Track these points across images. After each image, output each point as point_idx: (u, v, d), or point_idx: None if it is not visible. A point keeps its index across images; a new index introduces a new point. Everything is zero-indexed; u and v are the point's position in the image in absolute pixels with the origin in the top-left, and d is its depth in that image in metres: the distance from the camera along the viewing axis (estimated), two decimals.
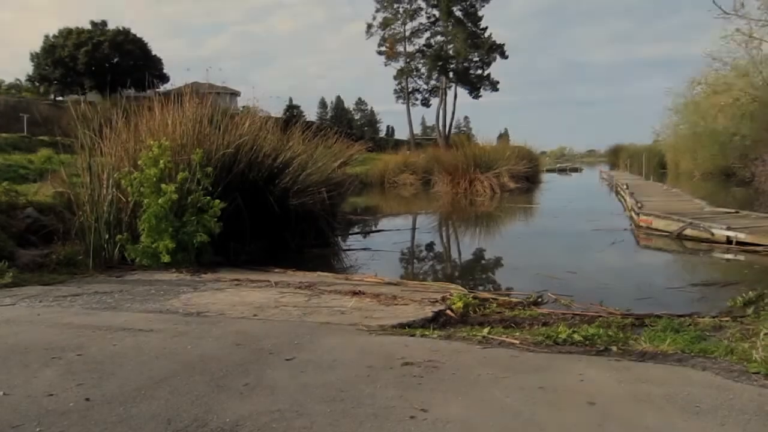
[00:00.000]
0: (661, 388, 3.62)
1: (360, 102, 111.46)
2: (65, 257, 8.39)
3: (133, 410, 3.18)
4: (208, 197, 8.73)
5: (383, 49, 69.75)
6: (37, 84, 49.68)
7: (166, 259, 8.27)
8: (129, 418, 3.07)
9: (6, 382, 3.60)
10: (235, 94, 21.43)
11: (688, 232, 12.94)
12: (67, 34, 49.52)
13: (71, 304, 6.03)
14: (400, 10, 67.84)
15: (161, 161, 8.51)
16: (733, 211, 15.67)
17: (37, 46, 50.73)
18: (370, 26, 68.94)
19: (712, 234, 12.30)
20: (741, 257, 11.04)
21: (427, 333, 5.12)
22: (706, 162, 40.26)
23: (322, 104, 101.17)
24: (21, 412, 3.12)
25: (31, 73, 50.27)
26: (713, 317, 5.92)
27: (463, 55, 66.56)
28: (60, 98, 48.22)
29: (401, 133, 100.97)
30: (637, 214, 15.62)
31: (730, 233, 11.95)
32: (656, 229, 14.07)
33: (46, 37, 49.91)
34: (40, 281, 7.31)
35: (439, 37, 69.12)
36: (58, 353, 4.22)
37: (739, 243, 11.66)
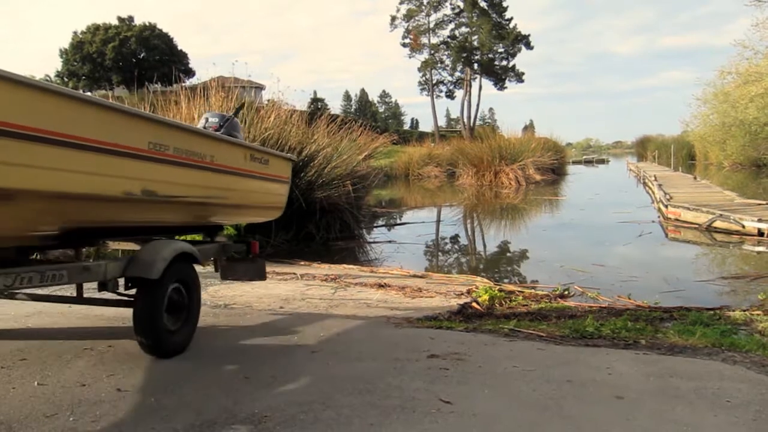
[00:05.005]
0: (691, 382, 3.58)
1: (384, 94, 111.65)
2: (99, 251, 8.49)
3: (163, 400, 3.23)
4: None
5: (407, 41, 69.57)
6: (66, 80, 50.46)
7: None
8: (159, 409, 3.11)
9: (40, 372, 3.67)
10: (260, 87, 21.49)
11: (718, 224, 12.73)
12: (94, 30, 50.23)
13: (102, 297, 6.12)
14: (424, 1, 67.50)
15: None
16: (764, 202, 15.37)
17: (65, 42, 51.48)
18: (394, 18, 68.84)
19: (743, 226, 12.08)
20: None
21: (453, 325, 5.12)
22: (736, 153, 39.54)
23: (347, 97, 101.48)
24: (54, 402, 3.18)
25: (60, 69, 51.06)
26: (744, 311, 5.82)
27: (487, 47, 66.18)
28: (88, 94, 48.96)
29: (426, 126, 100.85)
30: (666, 206, 15.40)
31: (762, 225, 11.72)
32: (685, 222, 13.86)
33: (75, 33, 50.65)
34: None
35: (463, 29, 68.80)
36: (89, 344, 4.30)
37: None
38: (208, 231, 5.23)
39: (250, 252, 5.42)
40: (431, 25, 68.77)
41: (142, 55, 50.24)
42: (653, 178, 23.94)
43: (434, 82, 70.43)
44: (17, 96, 2.64)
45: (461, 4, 67.02)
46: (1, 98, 2.56)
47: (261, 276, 5.53)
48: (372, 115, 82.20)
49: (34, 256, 4.17)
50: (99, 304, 4.30)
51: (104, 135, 3.19)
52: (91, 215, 3.49)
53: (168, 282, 3.90)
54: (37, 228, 3.37)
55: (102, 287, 3.73)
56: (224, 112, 10.54)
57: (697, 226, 13.23)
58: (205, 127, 4.90)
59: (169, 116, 10.37)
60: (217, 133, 4.75)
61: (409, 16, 68.33)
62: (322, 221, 11.76)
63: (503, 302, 6.31)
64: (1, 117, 2.54)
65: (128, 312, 3.94)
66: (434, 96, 70.70)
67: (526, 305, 6.25)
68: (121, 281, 3.86)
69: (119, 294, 3.91)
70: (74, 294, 4.48)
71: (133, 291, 3.92)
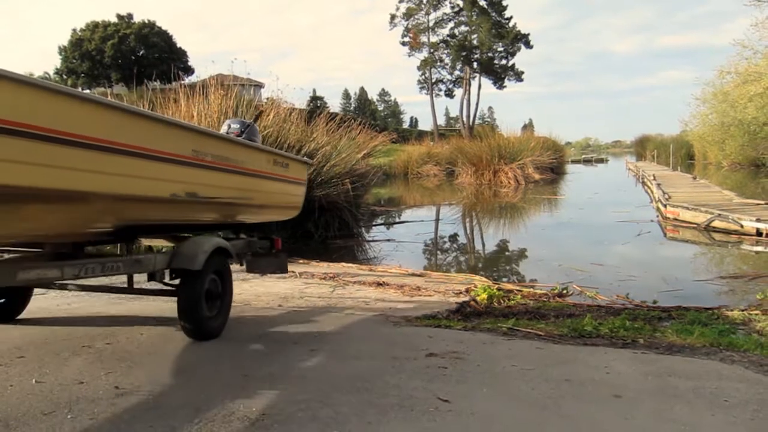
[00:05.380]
0: (689, 381, 3.58)
1: (383, 93, 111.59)
2: (96, 249, 8.49)
3: (161, 398, 3.23)
4: None
5: (407, 39, 69.54)
6: (65, 77, 50.43)
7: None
8: (158, 407, 3.11)
9: (38, 369, 3.67)
10: (259, 85, 21.47)
11: (717, 223, 12.74)
12: (94, 27, 50.17)
13: (100, 295, 6.12)
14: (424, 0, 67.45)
15: None
16: (762, 202, 15.38)
17: (65, 39, 51.43)
18: (393, 17, 68.80)
19: (741, 226, 12.09)
20: None
21: (451, 324, 5.12)
22: (735, 152, 39.56)
23: (346, 95, 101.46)
24: (52, 400, 3.18)
25: (59, 66, 51.01)
26: (742, 310, 5.83)
27: (487, 45, 66.17)
28: (87, 91, 48.92)
29: (425, 124, 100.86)
30: (664, 206, 15.41)
31: (760, 225, 11.73)
32: (684, 221, 13.87)
33: (74, 30, 50.59)
34: None
35: (463, 27, 68.77)
36: (87, 342, 4.30)
37: None
38: (234, 229, 5.57)
39: (273, 247, 5.89)
40: (431, 24, 68.78)
41: (141, 53, 50.22)
42: (652, 178, 23.95)
43: (434, 80, 70.45)
44: (94, 113, 3.13)
45: (461, 3, 66.99)
46: (80, 115, 3.02)
47: (283, 269, 5.96)
48: (371, 114, 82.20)
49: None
50: (147, 293, 4.72)
51: (157, 144, 3.62)
52: (142, 214, 3.91)
53: (207, 273, 4.30)
54: (97, 225, 3.81)
55: (151, 278, 4.21)
56: (222, 110, 10.58)
57: (695, 225, 13.24)
58: (228, 133, 5.23)
59: (168, 114, 10.36)
60: (247, 140, 5.13)
61: (408, 15, 68.29)
62: (321, 220, 11.76)
63: (502, 301, 6.31)
64: (81, 131, 2.99)
65: (126, 311, 3.97)
66: (433, 95, 70.75)
67: (525, 304, 6.25)
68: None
69: (165, 284, 4.34)
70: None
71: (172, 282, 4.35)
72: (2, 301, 4.74)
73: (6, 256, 4.08)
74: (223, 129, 5.47)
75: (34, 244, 4.15)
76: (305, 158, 6.90)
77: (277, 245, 5.94)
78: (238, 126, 5.38)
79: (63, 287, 4.76)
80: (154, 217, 4.08)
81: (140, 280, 4.64)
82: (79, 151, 2.99)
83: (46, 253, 4.03)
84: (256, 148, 5.17)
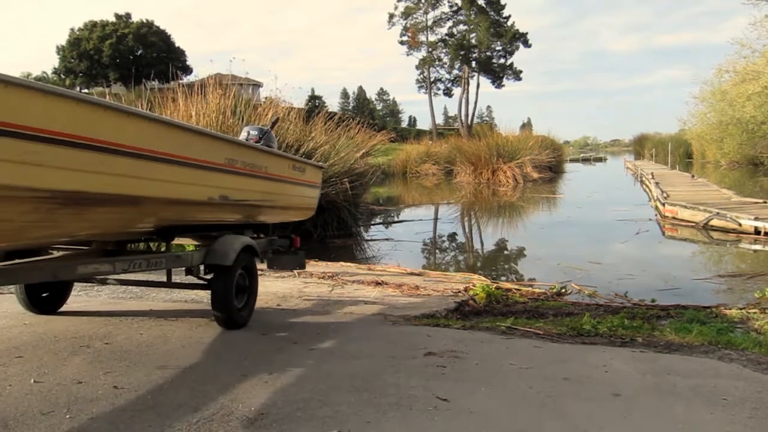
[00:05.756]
0: (688, 379, 3.58)
1: (382, 92, 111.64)
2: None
3: (160, 398, 3.23)
4: None
5: (405, 38, 69.51)
6: (63, 77, 50.36)
7: (190, 248, 8.35)
8: (156, 406, 3.11)
9: (36, 369, 3.67)
10: (257, 85, 21.45)
11: (715, 222, 12.76)
12: (91, 26, 50.11)
13: (98, 294, 6.13)
14: None
15: None
16: (761, 201, 15.40)
17: (63, 39, 51.37)
18: (391, 16, 68.77)
19: (740, 224, 12.11)
20: None
21: (450, 323, 5.12)
22: (734, 151, 39.62)
23: (344, 95, 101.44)
24: (51, 400, 3.18)
25: (57, 65, 50.95)
26: (740, 309, 5.83)
27: (485, 44, 66.15)
28: (86, 90, 48.92)
29: (423, 123, 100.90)
30: (663, 205, 15.43)
31: (758, 224, 11.75)
32: (682, 220, 13.89)
33: (72, 30, 50.52)
34: None
35: (461, 26, 68.78)
36: (86, 342, 4.29)
37: None
38: (255, 228, 5.87)
39: (292, 246, 6.34)
40: (429, 23, 68.79)
41: (139, 52, 50.19)
42: (650, 177, 23.97)
43: (432, 79, 70.48)
44: (144, 126, 3.57)
45: (459, 2, 67.01)
46: (134, 129, 3.44)
47: (302, 266, 6.42)
48: (370, 113, 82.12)
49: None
50: (182, 287, 5.20)
51: (198, 153, 4.04)
52: (180, 216, 4.33)
53: (236, 268, 4.67)
54: (142, 225, 4.23)
55: (188, 272, 4.68)
56: (221, 109, 10.58)
57: (694, 224, 13.26)
58: (247, 139, 5.61)
59: (166, 113, 10.36)
60: (269, 147, 5.57)
61: (407, 14, 68.29)
62: (320, 219, 11.75)
63: (500, 300, 6.31)
64: (134, 142, 3.39)
65: (124, 311, 3.97)
66: (432, 94, 70.78)
67: (524, 303, 6.25)
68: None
69: (199, 278, 4.75)
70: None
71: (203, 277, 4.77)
72: (47, 294, 5.07)
73: (56, 253, 4.54)
74: (242, 135, 5.81)
75: (82, 243, 4.62)
76: (320, 163, 7.42)
77: (296, 244, 6.36)
78: (257, 133, 5.74)
79: (103, 282, 5.14)
80: (190, 218, 4.52)
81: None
82: (133, 161, 3.40)
83: (93, 250, 4.61)
84: (278, 154, 5.71)
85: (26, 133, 2.70)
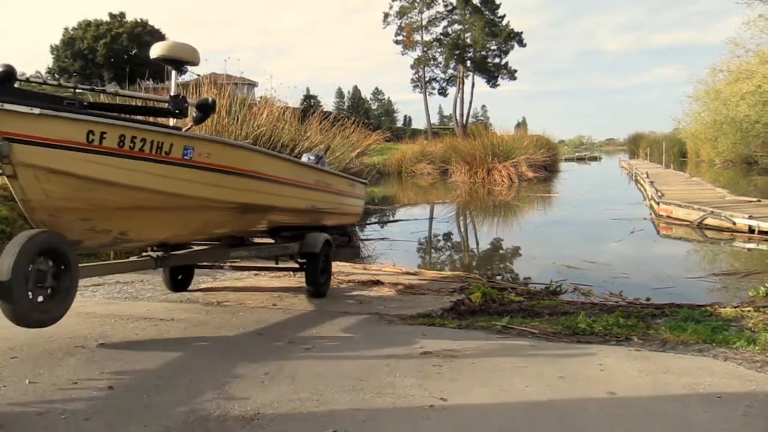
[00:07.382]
0: (682, 378, 3.60)
1: (377, 92, 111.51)
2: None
3: (156, 398, 3.22)
4: None
5: (400, 38, 69.51)
6: (57, 76, 50.10)
7: None
8: (152, 406, 3.10)
9: (31, 370, 3.65)
10: (252, 84, 21.42)
11: (709, 221, 12.81)
12: (86, 26, 49.92)
13: (93, 294, 6.11)
14: None
15: None
16: (755, 199, 15.47)
17: (56, 38, 51.15)
18: (386, 15, 68.73)
19: (734, 223, 12.16)
20: (763, 246, 10.92)
21: (445, 322, 5.13)
22: (727, 150, 39.74)
23: (339, 94, 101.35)
24: (46, 400, 3.17)
25: (51, 65, 50.73)
26: (735, 307, 5.85)
27: (480, 44, 66.21)
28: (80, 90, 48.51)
29: (418, 123, 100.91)
30: (657, 204, 15.48)
31: (752, 222, 11.80)
32: (677, 219, 13.94)
33: (65, 29, 50.33)
34: None
35: (456, 26, 68.82)
36: (81, 342, 4.28)
37: (762, 232, 11.52)
38: (320, 229, 6.92)
39: (350, 241, 7.86)
40: (424, 22, 68.76)
41: (133, 52, 49.95)
42: (645, 176, 24.04)
43: (427, 79, 70.44)
44: (278, 163, 5.55)
45: (454, 2, 67.02)
46: (272, 165, 5.31)
47: (357, 255, 8.48)
48: (365, 112, 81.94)
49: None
50: (286, 270, 6.69)
51: (301, 177, 5.83)
52: (286, 219, 5.94)
53: (321, 255, 6.09)
54: (262, 225, 5.83)
55: (290, 258, 6.16)
56: (216, 109, 10.55)
57: (688, 223, 13.30)
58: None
59: None
60: (336, 171, 7.95)
61: (401, 14, 68.27)
62: None
63: (496, 299, 6.32)
64: (274, 173, 5.21)
65: (119, 312, 3.94)
66: (427, 93, 70.78)
67: (519, 302, 6.26)
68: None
69: (297, 261, 6.21)
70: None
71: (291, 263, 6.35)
72: (180, 277, 6.30)
73: (195, 247, 5.71)
74: (303, 159, 7.11)
75: (213, 240, 5.85)
76: (364, 180, 9.09)
77: (352, 239, 8.07)
78: (314, 158, 7.13)
79: (219, 267, 6.84)
80: (290, 221, 6.05)
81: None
82: (271, 184, 5.10)
83: (223, 243, 5.83)
84: (340, 175, 7.48)
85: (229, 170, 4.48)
